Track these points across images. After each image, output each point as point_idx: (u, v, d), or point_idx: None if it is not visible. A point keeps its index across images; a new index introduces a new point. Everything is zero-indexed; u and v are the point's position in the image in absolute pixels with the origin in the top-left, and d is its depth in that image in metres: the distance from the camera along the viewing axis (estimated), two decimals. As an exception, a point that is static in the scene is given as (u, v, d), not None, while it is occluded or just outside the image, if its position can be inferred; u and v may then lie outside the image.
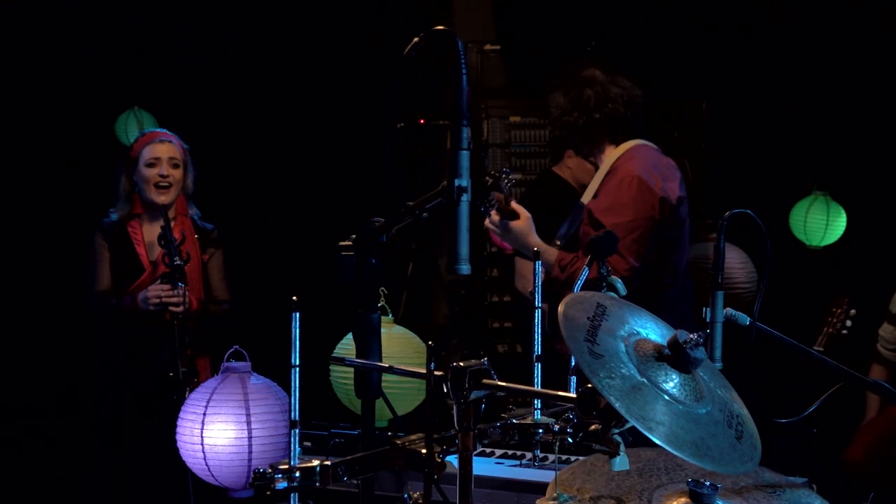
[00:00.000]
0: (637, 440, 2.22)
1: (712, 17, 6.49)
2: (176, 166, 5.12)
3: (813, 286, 6.01)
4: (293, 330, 2.19)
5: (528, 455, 4.07)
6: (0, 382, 6.41)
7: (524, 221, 4.45)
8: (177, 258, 4.83)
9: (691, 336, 2.21)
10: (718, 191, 6.19)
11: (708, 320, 3.02)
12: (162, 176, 5.06)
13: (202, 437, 4.06)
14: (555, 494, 2.56)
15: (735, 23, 6.43)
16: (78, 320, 5.52)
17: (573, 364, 2.73)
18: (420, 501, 2.41)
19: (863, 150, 6.33)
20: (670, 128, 6.22)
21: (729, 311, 3.09)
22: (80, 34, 6.73)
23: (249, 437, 4.17)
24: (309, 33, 6.88)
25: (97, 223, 5.17)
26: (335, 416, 4.25)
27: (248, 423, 4.16)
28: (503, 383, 2.38)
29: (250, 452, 4.15)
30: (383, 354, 4.42)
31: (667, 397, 2.18)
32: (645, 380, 2.17)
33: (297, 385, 2.22)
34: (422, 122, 6.90)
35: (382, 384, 4.30)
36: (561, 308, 2.23)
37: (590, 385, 2.15)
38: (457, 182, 2.09)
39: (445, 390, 2.44)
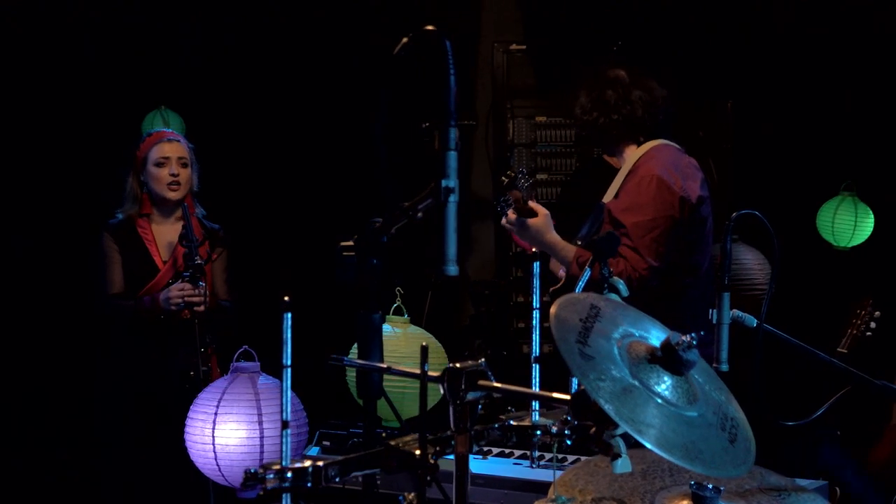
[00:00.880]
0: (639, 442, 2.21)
1: (738, 16, 6.44)
2: (185, 165, 5.17)
3: (840, 287, 5.96)
4: (285, 330, 2.19)
5: (549, 455, 4.06)
6: (11, 385, 6.44)
7: (542, 219, 4.45)
8: (198, 257, 4.87)
9: (684, 338, 2.19)
10: (744, 191, 6.14)
11: (714, 322, 3.01)
12: (173, 175, 5.11)
13: (213, 436, 4.08)
14: (553, 496, 2.56)
15: (761, 22, 6.38)
16: (84, 321, 5.55)
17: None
18: (415, 502, 2.40)
19: (890, 151, 6.27)
20: (696, 127, 6.18)
21: (736, 312, 3.08)
22: (109, 34, 6.76)
23: (261, 437, 4.19)
24: (309, 33, 6.88)
25: (104, 224, 5.19)
26: (354, 416, 4.26)
27: (260, 423, 4.19)
28: (499, 384, 2.37)
29: (261, 452, 4.18)
30: (400, 355, 4.47)
31: (658, 400, 2.16)
32: (636, 382, 2.15)
33: (290, 385, 2.22)
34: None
35: (398, 384, 4.32)
36: (553, 309, 2.22)
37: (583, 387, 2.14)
38: (444, 183, 2.09)
39: (442, 391, 2.44)
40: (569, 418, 2.34)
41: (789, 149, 6.39)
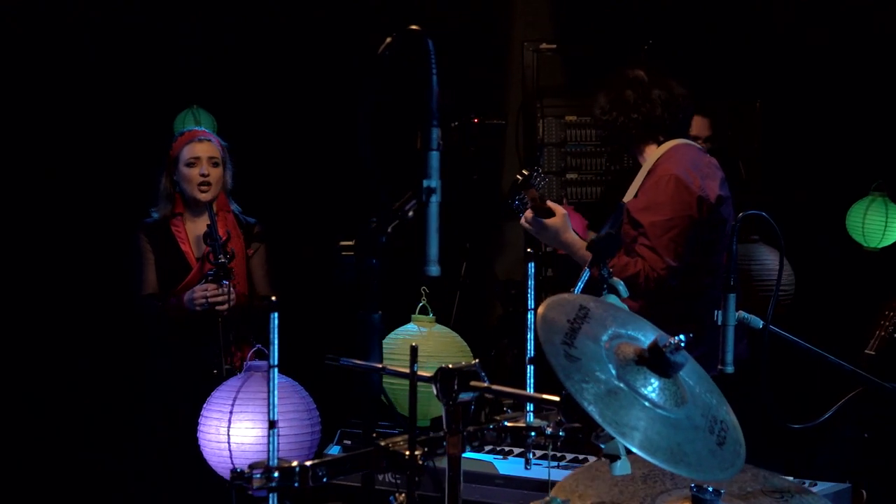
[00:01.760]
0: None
1: (768, 16, 6.40)
2: (216, 165, 5.16)
3: (869, 288, 5.90)
4: (272, 330, 2.19)
5: (570, 457, 4.06)
6: (49, 384, 6.50)
7: (560, 219, 4.42)
8: (221, 256, 4.87)
9: (671, 340, 2.17)
10: (773, 191, 6.09)
11: (720, 324, 2.98)
12: (203, 175, 5.10)
13: (229, 435, 4.09)
14: (548, 498, 2.55)
15: (791, 22, 6.34)
16: (126, 321, 5.59)
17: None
18: (405, 502, 2.40)
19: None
20: (724, 128, 6.14)
21: (742, 314, 3.05)
22: (141, 34, 6.81)
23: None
24: (309, 33, 6.89)
25: (139, 224, 5.22)
26: (377, 415, 4.25)
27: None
28: (491, 385, 2.37)
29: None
30: (426, 354, 4.47)
31: (645, 402, 2.15)
32: (622, 384, 2.14)
33: (276, 385, 2.22)
34: (476, 120, 6.89)
35: (426, 385, 4.32)
36: (541, 310, 2.22)
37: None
38: (425, 183, 2.09)
39: (435, 392, 2.44)
40: (563, 420, 2.34)
41: (819, 149, 6.33)
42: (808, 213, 5.88)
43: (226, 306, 4.91)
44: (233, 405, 4.12)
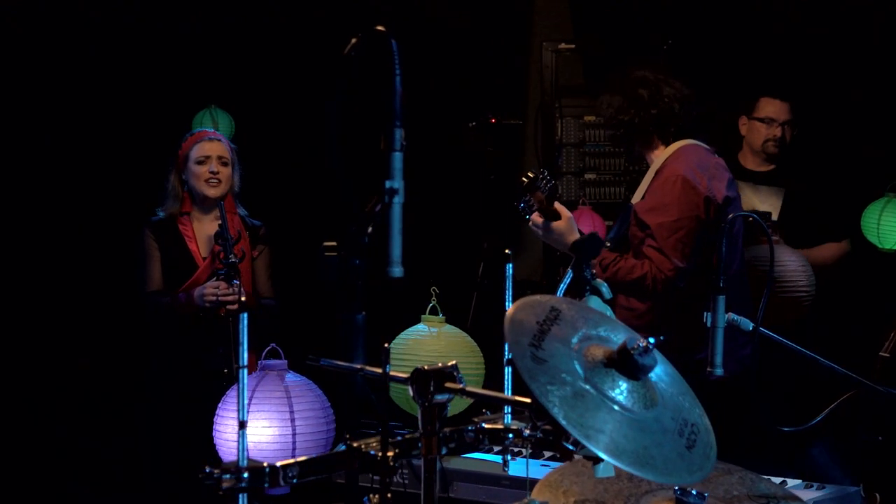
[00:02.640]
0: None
1: (785, 15, 6.35)
2: (225, 164, 5.19)
3: (885, 290, 5.85)
4: (241, 331, 2.20)
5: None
6: (53, 380, 6.53)
7: (565, 222, 4.40)
8: (232, 255, 4.90)
9: (640, 342, 2.16)
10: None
11: (709, 326, 2.96)
12: (212, 172, 5.14)
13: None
14: (527, 500, 2.54)
15: (807, 21, 6.29)
16: (131, 319, 5.61)
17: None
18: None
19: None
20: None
21: (731, 316, 3.02)
22: (161, 32, 6.84)
23: (293, 434, 4.20)
24: (308, 33, 6.89)
25: (146, 221, 5.24)
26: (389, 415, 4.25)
27: (292, 420, 4.20)
28: (466, 387, 2.36)
29: (294, 449, 4.19)
30: (437, 354, 4.46)
31: (613, 405, 2.13)
32: (589, 386, 2.13)
33: (245, 385, 2.22)
34: (493, 120, 6.88)
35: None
36: (510, 311, 2.21)
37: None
38: (388, 184, 2.08)
39: (411, 393, 2.43)
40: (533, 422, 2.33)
41: (834, 149, 6.28)
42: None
43: (236, 305, 4.94)
44: (249, 404, 4.13)
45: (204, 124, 6.67)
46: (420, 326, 4.57)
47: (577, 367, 2.15)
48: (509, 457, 2.56)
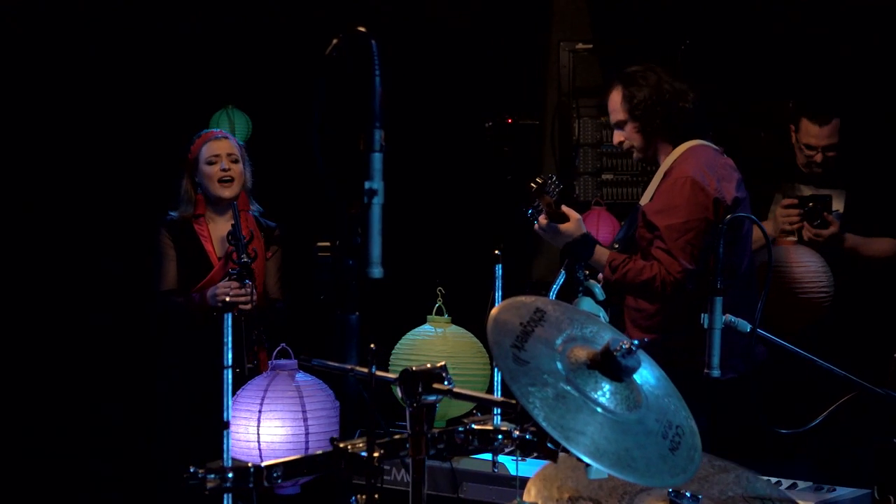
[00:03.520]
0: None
1: (802, 15, 6.32)
2: (235, 161, 5.20)
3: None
4: (225, 331, 2.20)
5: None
6: (66, 381, 6.55)
7: (573, 224, 4.38)
8: (244, 256, 4.91)
9: (623, 343, 2.15)
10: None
11: (706, 327, 2.94)
12: (223, 170, 5.15)
13: (258, 434, 4.11)
14: (516, 501, 2.53)
15: (823, 21, 6.25)
16: (145, 318, 5.63)
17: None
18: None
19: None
20: (757, 128, 6.08)
21: (728, 317, 3.01)
22: (178, 31, 6.86)
23: (306, 434, 4.21)
24: (308, 33, 6.88)
25: (161, 220, 5.26)
26: (395, 415, 4.26)
27: (305, 419, 4.21)
28: (454, 388, 2.36)
29: (307, 449, 4.20)
30: (441, 355, 4.46)
31: (595, 407, 2.12)
32: (570, 388, 2.12)
33: (231, 386, 2.23)
34: (510, 121, 6.87)
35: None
36: (494, 312, 2.20)
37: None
38: (367, 185, 2.09)
39: (399, 394, 2.43)
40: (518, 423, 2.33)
41: (855, 150, 6.23)
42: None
43: (249, 305, 4.94)
44: (261, 404, 4.15)
45: (221, 125, 6.68)
46: (426, 327, 4.58)
47: (560, 369, 2.15)
48: (501, 457, 2.55)
